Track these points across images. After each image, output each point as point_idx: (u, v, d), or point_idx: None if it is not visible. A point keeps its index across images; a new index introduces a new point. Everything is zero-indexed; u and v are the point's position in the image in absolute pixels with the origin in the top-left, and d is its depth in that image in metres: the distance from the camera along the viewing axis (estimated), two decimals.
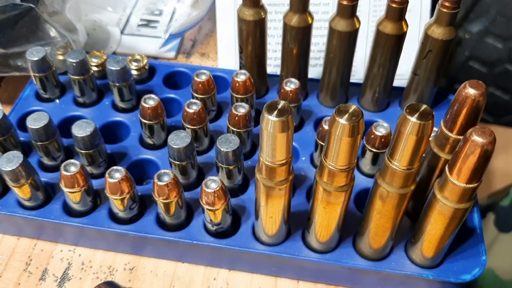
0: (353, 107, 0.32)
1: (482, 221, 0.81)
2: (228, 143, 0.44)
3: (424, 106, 0.32)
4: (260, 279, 0.46)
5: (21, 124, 0.52)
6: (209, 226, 0.44)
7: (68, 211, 0.46)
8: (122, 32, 0.69)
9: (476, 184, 0.33)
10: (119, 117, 0.54)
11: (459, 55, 1.17)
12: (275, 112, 0.32)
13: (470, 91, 0.34)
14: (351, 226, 0.44)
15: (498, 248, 0.77)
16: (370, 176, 0.49)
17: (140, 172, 0.50)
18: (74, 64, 0.51)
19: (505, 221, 0.77)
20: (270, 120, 0.32)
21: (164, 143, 0.51)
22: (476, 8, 1.18)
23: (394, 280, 0.43)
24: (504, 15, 1.04)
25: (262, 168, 0.36)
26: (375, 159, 0.47)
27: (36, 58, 0.51)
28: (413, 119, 0.31)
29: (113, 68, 0.50)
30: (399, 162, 0.34)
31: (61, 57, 0.57)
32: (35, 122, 0.45)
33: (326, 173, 0.35)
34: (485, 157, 0.31)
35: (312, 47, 0.60)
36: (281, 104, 0.32)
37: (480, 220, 0.44)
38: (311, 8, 0.50)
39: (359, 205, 0.47)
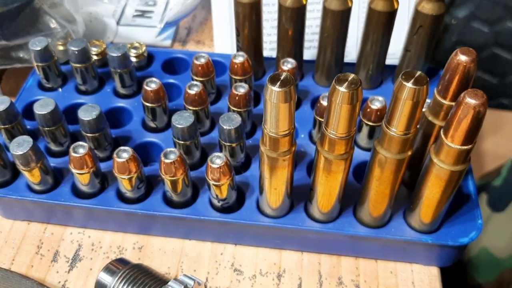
0: (351, 75, 0.33)
1: None
2: (230, 121, 0.45)
3: (419, 73, 0.33)
4: (265, 252, 0.48)
5: (26, 113, 0.54)
6: (215, 202, 0.45)
7: (77, 193, 0.47)
8: (118, 23, 0.71)
9: (470, 146, 0.35)
10: (121, 103, 0.55)
11: (446, 41, 1.19)
12: (278, 83, 0.33)
13: (461, 57, 0.36)
14: (351, 197, 0.46)
15: (492, 227, 0.79)
16: (367, 149, 0.50)
17: (144, 155, 0.51)
18: (76, 52, 0.52)
19: (498, 201, 0.79)
20: (273, 91, 0.33)
21: (167, 126, 0.52)
22: None
23: (394, 247, 0.45)
24: None
25: (266, 140, 0.38)
26: (372, 133, 0.49)
27: (38, 48, 0.52)
28: (409, 84, 0.33)
29: (114, 55, 0.52)
30: (397, 127, 0.36)
31: (61, 48, 0.58)
32: (42, 108, 0.47)
33: (327, 142, 0.37)
34: (478, 118, 0.33)
35: (306, 30, 0.62)
36: (283, 75, 0.34)
37: (474, 186, 0.46)
38: None
39: (357, 177, 0.48)
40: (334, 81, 0.33)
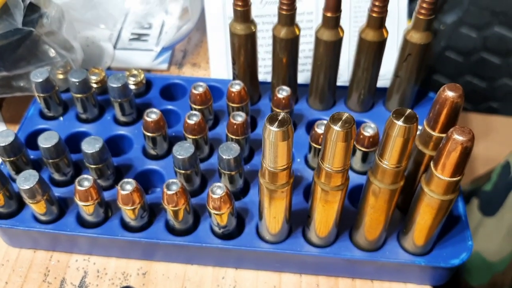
0: (345, 115, 0.35)
1: (467, 207, 0.85)
2: (229, 151, 0.47)
3: (408, 111, 0.35)
4: (265, 275, 0.50)
5: (29, 142, 0.55)
6: (216, 229, 0.47)
7: (82, 222, 0.49)
8: (115, 47, 0.72)
9: (459, 177, 0.37)
10: (122, 131, 0.57)
11: (435, 46, 1.21)
12: (276, 123, 0.35)
13: (449, 93, 0.38)
14: (347, 220, 0.48)
15: (483, 231, 0.80)
16: (361, 173, 0.52)
17: (146, 182, 0.53)
18: (77, 84, 0.54)
19: (489, 205, 0.81)
20: (272, 131, 0.35)
21: (167, 153, 0.54)
22: None
23: (389, 269, 0.47)
24: (476, 5, 1.08)
25: (265, 173, 0.39)
26: (365, 158, 0.51)
27: (40, 80, 0.53)
28: (399, 123, 0.35)
29: (114, 86, 0.53)
30: (389, 161, 0.38)
31: (61, 76, 0.60)
32: (46, 141, 0.48)
33: (323, 174, 0.39)
34: (466, 153, 0.35)
35: (299, 54, 0.64)
36: (281, 116, 0.35)
37: (464, 208, 0.48)
38: (296, 17, 0.53)
39: (352, 200, 0.50)
40: (329, 120, 0.35)
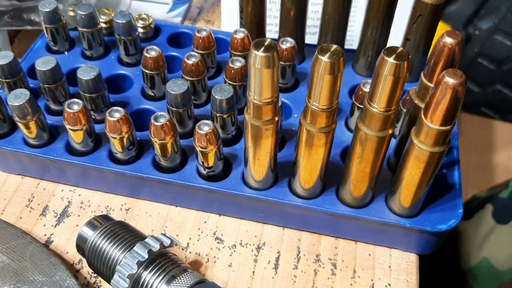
0: (334, 46, 0.34)
1: (481, 212, 0.83)
2: (222, 92, 0.46)
3: (400, 49, 0.34)
4: (248, 224, 0.49)
5: (31, 73, 0.55)
6: (202, 169, 0.46)
7: (71, 151, 0.49)
8: None
9: (449, 127, 0.36)
10: (123, 71, 0.56)
11: (468, 52, 1.18)
12: (262, 48, 0.34)
13: (447, 40, 0.36)
14: (335, 178, 0.46)
15: (495, 238, 0.78)
16: None
17: (140, 122, 0.52)
18: (83, 17, 0.54)
19: (503, 213, 0.79)
20: (257, 56, 0.34)
21: (164, 95, 0.53)
22: (486, 5, 1.19)
23: (373, 228, 0.45)
24: None
25: (250, 108, 0.38)
26: None
27: (47, 9, 0.53)
28: (391, 59, 0.33)
29: (119, 21, 0.53)
30: (378, 104, 0.36)
31: (71, 13, 0.59)
32: (43, 65, 0.48)
33: (309, 114, 0.38)
34: (457, 98, 0.33)
35: (312, 15, 0.62)
36: (267, 41, 0.34)
37: (460, 177, 0.46)
38: None
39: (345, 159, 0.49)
40: (316, 51, 0.34)
